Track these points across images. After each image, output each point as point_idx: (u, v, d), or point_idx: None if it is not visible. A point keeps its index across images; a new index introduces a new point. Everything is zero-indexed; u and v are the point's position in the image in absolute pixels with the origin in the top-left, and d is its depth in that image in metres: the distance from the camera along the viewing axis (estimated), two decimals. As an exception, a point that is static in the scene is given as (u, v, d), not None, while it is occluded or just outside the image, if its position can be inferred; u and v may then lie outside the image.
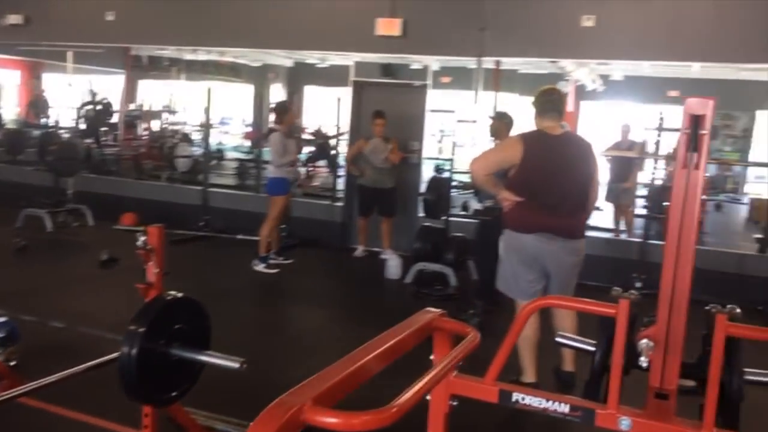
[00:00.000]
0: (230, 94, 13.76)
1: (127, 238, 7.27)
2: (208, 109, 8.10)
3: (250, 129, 14.06)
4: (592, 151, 3.80)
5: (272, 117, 6.99)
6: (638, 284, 5.95)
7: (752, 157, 11.55)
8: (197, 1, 8.49)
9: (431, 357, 1.93)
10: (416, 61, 8.31)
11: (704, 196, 9.91)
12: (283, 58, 11.95)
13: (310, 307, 5.87)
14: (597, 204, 4.06)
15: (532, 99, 3.81)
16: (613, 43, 6.75)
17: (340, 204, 8.23)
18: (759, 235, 7.51)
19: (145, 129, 12.19)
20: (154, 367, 2.32)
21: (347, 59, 8.11)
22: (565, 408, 1.75)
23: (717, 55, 6.63)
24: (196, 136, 12.38)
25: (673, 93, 11.16)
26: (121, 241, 7.17)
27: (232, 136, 14.41)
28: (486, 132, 5.99)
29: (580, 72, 9.32)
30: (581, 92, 10.96)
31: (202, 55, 10.85)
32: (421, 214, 6.95)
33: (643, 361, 1.78)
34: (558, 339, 2.26)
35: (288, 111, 6.82)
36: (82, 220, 7.95)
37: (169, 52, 10.79)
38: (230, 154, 13.18)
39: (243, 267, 6.64)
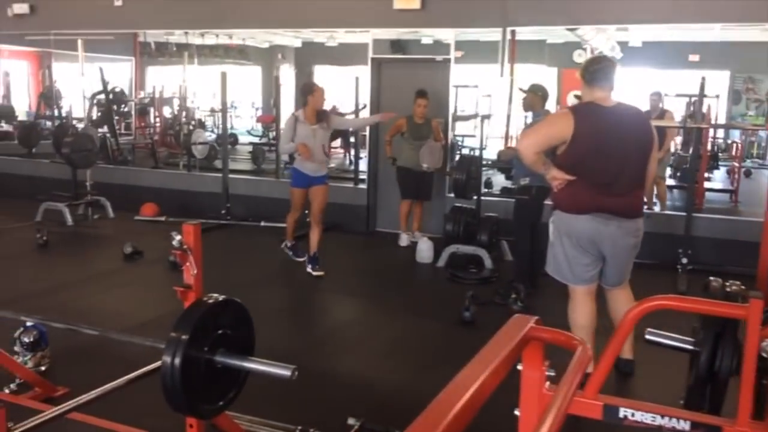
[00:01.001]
0: (239, 78, 13.51)
1: (150, 229, 7.23)
2: (224, 93, 7.84)
3: (260, 112, 13.81)
4: (649, 122, 3.53)
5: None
6: (684, 260, 5.71)
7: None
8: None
9: (518, 367, 1.71)
10: (429, 36, 7.98)
11: (735, 163, 9.66)
12: (292, 38, 11.66)
13: (343, 295, 5.67)
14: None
15: (579, 69, 3.55)
16: (638, 7, 6.45)
17: (363, 186, 7.98)
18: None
19: (157, 116, 11.99)
20: (198, 377, 2.17)
21: (364, 36, 7.81)
22: (685, 425, 1.52)
23: (743, 15, 6.30)
24: (209, 122, 12.19)
25: (694, 57, 10.81)
26: (143, 233, 7.03)
27: (243, 119, 14.19)
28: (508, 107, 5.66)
29: (598, 39, 8.97)
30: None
31: (210, 38, 10.60)
32: (450, 194, 6.72)
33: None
34: (648, 337, 2.03)
35: (311, 92, 5.76)
36: (102, 213, 7.80)
37: (176, 37, 10.56)
38: (243, 138, 12.98)
39: (269, 255, 6.44)
